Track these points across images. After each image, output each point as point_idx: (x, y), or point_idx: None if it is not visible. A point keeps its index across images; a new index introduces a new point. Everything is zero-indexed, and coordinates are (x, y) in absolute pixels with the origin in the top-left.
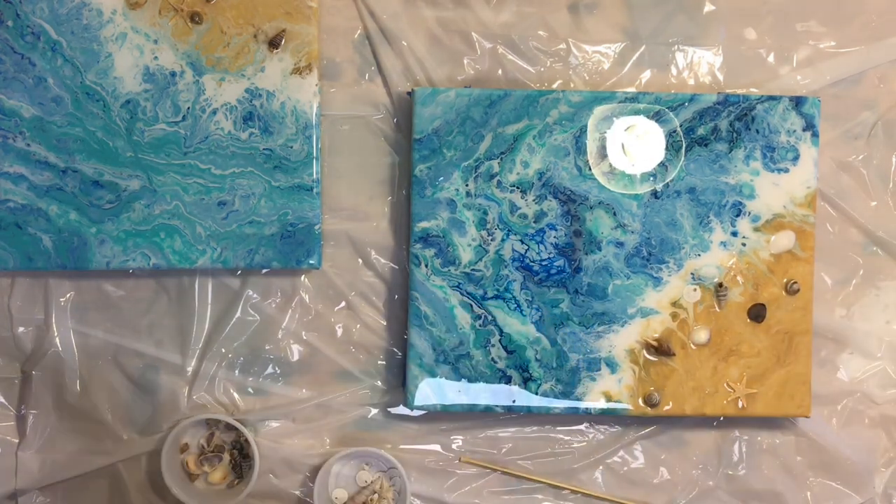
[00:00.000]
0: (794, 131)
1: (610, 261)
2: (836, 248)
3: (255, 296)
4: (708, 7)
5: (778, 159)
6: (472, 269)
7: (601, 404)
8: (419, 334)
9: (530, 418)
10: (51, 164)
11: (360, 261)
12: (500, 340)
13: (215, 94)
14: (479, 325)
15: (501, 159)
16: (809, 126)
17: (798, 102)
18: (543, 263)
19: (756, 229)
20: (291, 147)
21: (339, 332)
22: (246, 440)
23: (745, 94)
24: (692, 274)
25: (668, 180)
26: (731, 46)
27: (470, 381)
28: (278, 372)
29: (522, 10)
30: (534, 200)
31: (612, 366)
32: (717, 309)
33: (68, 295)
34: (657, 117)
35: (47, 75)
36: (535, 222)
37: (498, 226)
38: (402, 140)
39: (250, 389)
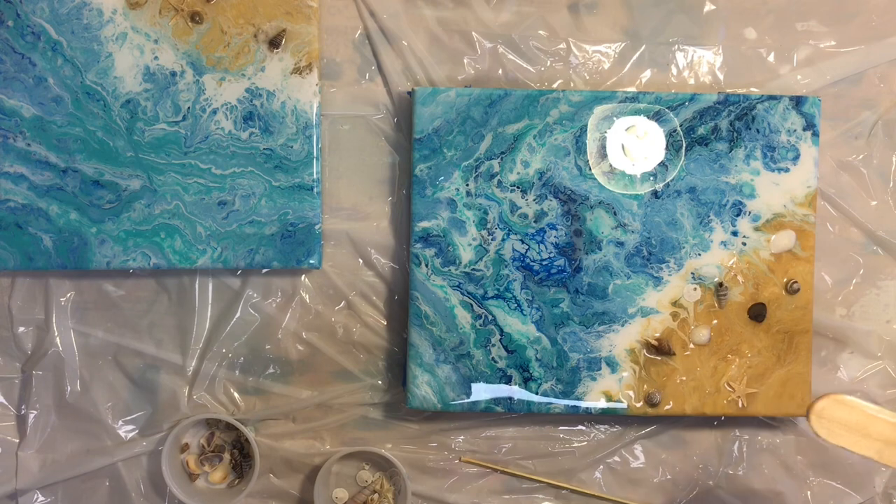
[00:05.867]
0: (795, 131)
1: (610, 260)
2: (836, 247)
3: (255, 295)
4: (708, 7)
5: (778, 159)
6: (473, 269)
7: (601, 404)
8: (419, 334)
9: (530, 418)
10: (51, 163)
11: (360, 260)
12: (500, 340)
13: (215, 94)
14: (480, 325)
15: (502, 159)
16: (810, 126)
17: (798, 102)
18: (544, 263)
19: (756, 229)
20: (292, 147)
21: (340, 331)
22: (246, 440)
23: (745, 94)
24: (692, 273)
25: (668, 180)
26: (731, 46)
27: (470, 380)
28: (278, 372)
29: (522, 9)
30: (534, 200)
31: (613, 365)
32: (717, 308)
33: (68, 295)
34: (657, 117)
35: (47, 75)
36: (535, 222)
37: (498, 225)
38: (402, 140)
39: (250, 389)
